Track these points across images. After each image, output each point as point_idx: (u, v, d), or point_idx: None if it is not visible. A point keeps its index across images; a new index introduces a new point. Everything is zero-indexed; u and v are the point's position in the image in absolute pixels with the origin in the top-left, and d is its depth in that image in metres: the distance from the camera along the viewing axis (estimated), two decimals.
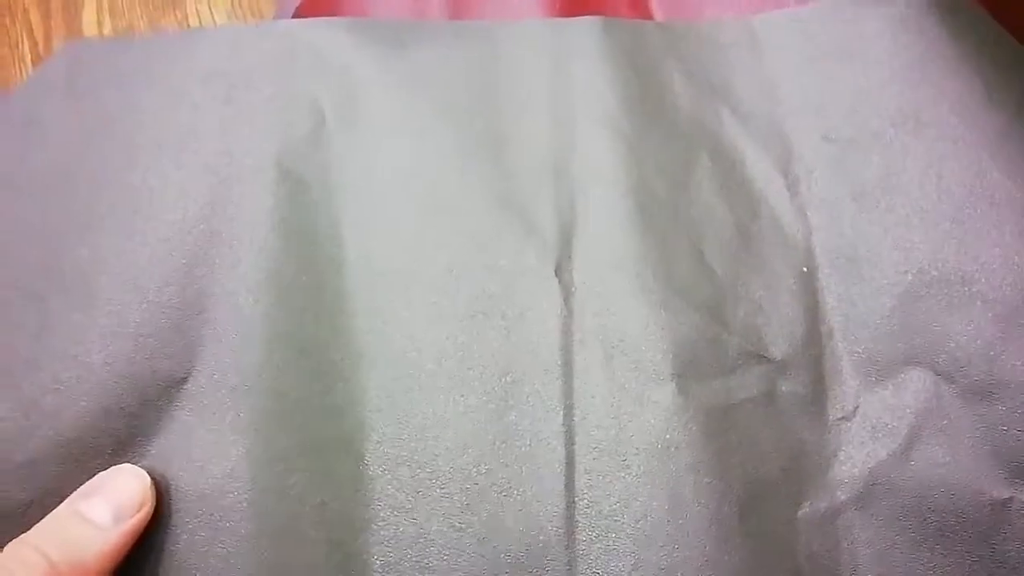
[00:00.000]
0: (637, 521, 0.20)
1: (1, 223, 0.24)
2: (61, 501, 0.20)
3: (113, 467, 0.21)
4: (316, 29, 0.26)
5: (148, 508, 0.20)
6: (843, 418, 0.23)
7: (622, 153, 0.25)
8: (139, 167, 0.24)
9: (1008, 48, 0.26)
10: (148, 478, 0.21)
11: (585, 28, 0.27)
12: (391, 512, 0.21)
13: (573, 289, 0.23)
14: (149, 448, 0.22)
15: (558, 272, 0.23)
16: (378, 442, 0.22)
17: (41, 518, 0.20)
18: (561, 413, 0.22)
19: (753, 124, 0.26)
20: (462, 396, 0.22)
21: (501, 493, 0.21)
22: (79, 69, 0.26)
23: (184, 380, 0.22)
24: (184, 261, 0.23)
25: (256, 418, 0.21)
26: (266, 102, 0.25)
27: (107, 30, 0.83)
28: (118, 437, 0.22)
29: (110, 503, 0.20)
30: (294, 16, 0.31)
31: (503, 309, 0.23)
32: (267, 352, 0.22)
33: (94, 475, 0.21)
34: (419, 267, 0.23)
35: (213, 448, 0.21)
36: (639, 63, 0.27)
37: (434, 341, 0.23)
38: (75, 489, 0.21)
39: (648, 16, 0.30)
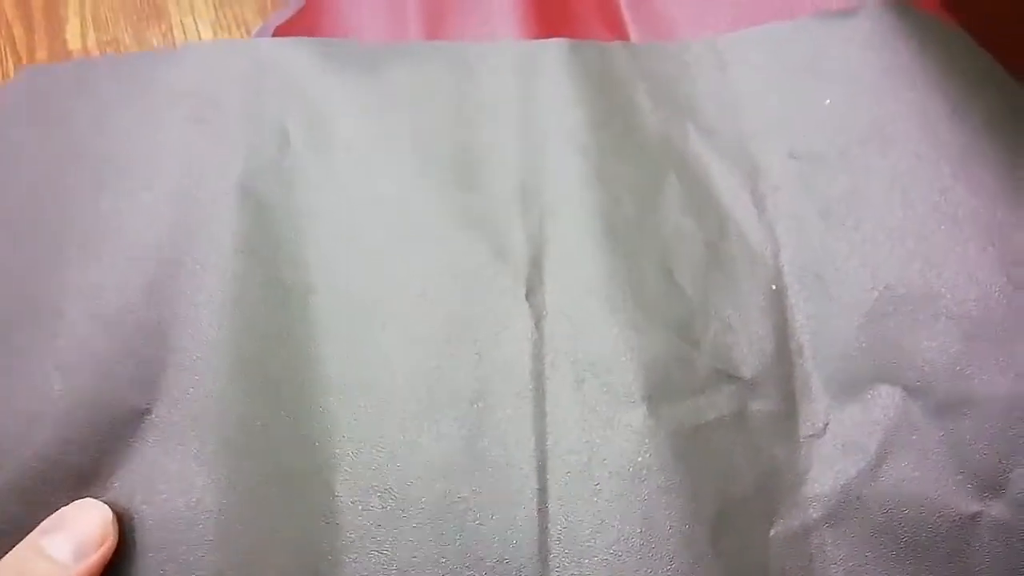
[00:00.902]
0: (610, 546, 0.21)
1: None
2: (24, 535, 0.20)
3: (75, 502, 0.21)
4: (285, 49, 0.26)
5: (110, 543, 0.20)
6: (813, 435, 0.23)
7: (590, 173, 0.25)
8: (108, 192, 0.24)
9: (979, 63, 0.26)
10: (110, 513, 0.20)
11: (553, 50, 0.27)
12: (362, 542, 0.21)
13: (544, 313, 0.23)
14: (113, 480, 0.21)
15: (529, 296, 0.23)
16: (348, 471, 0.22)
17: (3, 553, 0.20)
18: (533, 439, 0.22)
19: (720, 142, 0.26)
20: (434, 423, 0.22)
21: (474, 521, 0.21)
22: (41, 95, 0.26)
23: (148, 410, 0.22)
24: (146, 287, 0.22)
25: (221, 448, 0.21)
26: (232, 123, 0.25)
27: (91, 43, 0.83)
28: (80, 470, 0.21)
29: (71, 539, 0.20)
30: (275, 34, 0.31)
31: (475, 334, 0.23)
32: (231, 380, 0.22)
33: (57, 509, 0.21)
34: (390, 292, 0.23)
35: (178, 479, 0.21)
36: (606, 83, 0.27)
37: (406, 367, 0.23)
38: (38, 523, 0.20)
39: (625, 38, 0.30)
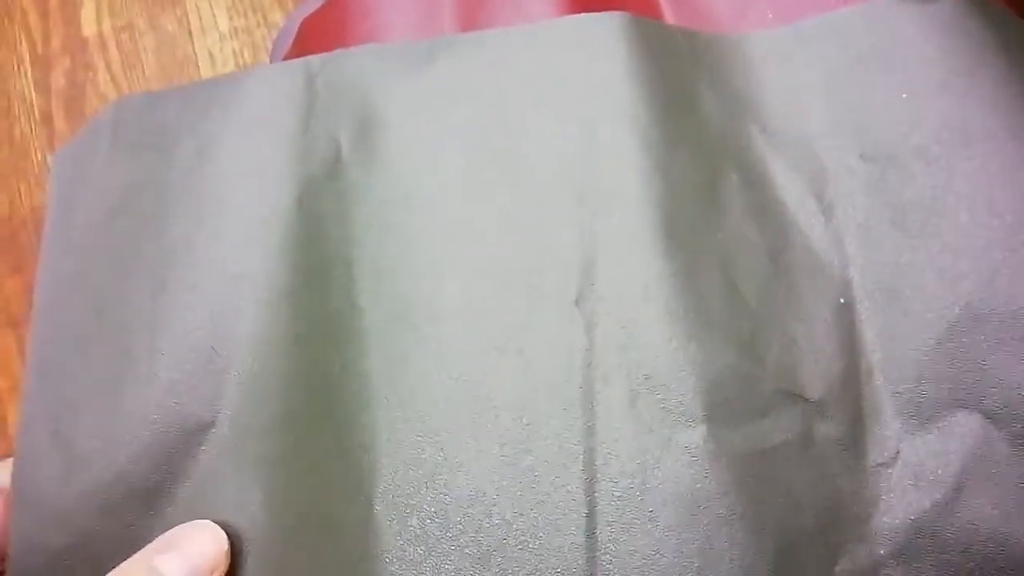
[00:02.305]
0: None
1: (51, 277, 0.25)
2: (98, 547, 0.21)
3: (191, 522, 0.21)
4: (334, 63, 0.26)
5: (222, 571, 0.20)
6: (883, 464, 0.21)
7: (651, 167, 0.23)
8: (172, 218, 0.24)
9: None
10: (226, 540, 0.20)
11: (611, 22, 0.25)
12: (400, 566, 0.20)
13: (596, 320, 0.22)
14: (179, 493, 0.21)
15: (579, 302, 0.22)
16: (386, 489, 0.21)
17: (77, 564, 0.21)
18: (582, 458, 0.20)
19: (784, 142, 0.24)
20: (475, 439, 0.21)
21: (516, 546, 0.20)
22: (121, 125, 0.26)
23: (212, 423, 0.21)
24: (212, 305, 0.23)
25: (274, 462, 0.21)
26: (288, 142, 0.25)
27: (106, 28, 0.81)
28: (150, 483, 0.21)
29: (186, 563, 0.19)
30: (299, 29, 0.30)
31: (520, 344, 0.21)
32: (283, 394, 0.21)
33: (128, 522, 0.21)
34: (433, 303, 0.22)
35: (235, 493, 0.21)
36: (667, 67, 0.25)
37: (446, 381, 0.21)
38: (110, 536, 0.21)
39: (659, 16, 0.28)
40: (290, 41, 0.31)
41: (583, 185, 0.23)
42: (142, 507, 0.21)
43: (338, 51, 0.26)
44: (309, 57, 0.26)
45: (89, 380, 0.23)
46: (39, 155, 0.77)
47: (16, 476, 0.22)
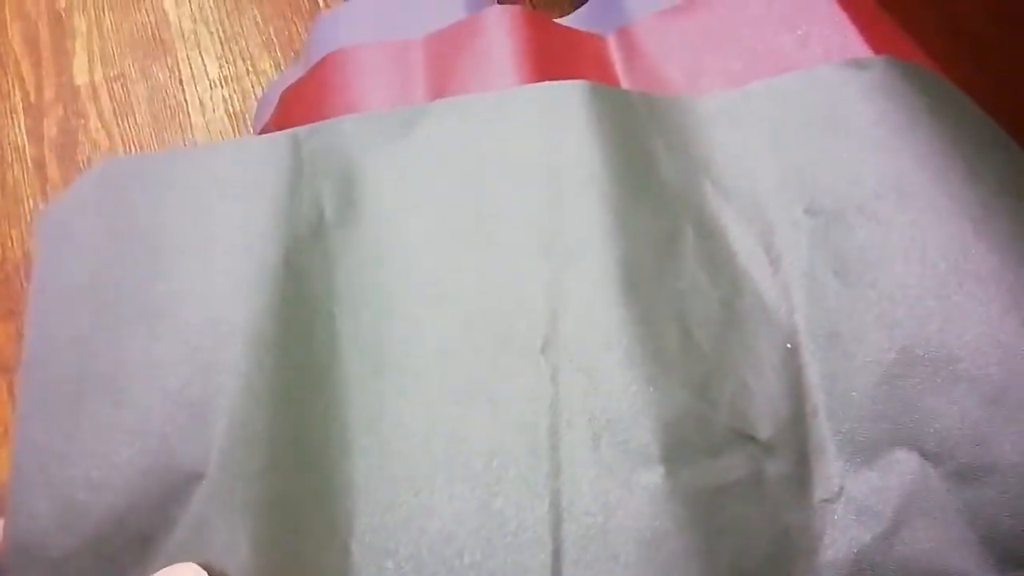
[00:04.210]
0: None
1: (40, 330, 0.25)
2: None
3: (173, 566, 0.21)
4: (318, 133, 0.27)
5: None
6: (828, 500, 0.22)
7: (610, 221, 0.25)
8: (163, 274, 0.25)
9: (984, 125, 0.26)
10: None
11: (574, 91, 0.27)
12: None
13: (560, 367, 0.23)
14: (172, 541, 0.22)
15: (544, 350, 0.23)
16: (363, 533, 0.22)
17: None
18: (548, 499, 0.22)
19: (735, 198, 0.26)
20: (448, 483, 0.22)
21: None
22: (109, 184, 0.27)
23: (202, 474, 0.22)
24: (204, 362, 0.23)
25: (262, 509, 0.21)
26: (273, 206, 0.26)
27: (98, 78, 0.83)
28: (144, 531, 0.22)
29: None
30: (280, 100, 0.32)
31: (490, 392, 0.23)
32: (269, 444, 0.22)
33: (124, 569, 0.22)
34: (409, 355, 0.24)
35: (227, 540, 0.21)
36: (626, 130, 0.27)
37: (421, 428, 0.22)
38: None
39: (616, 83, 0.30)
40: (270, 110, 0.33)
41: (549, 242, 0.25)
42: (137, 554, 0.22)
43: (322, 122, 0.28)
44: (296, 128, 0.27)
45: (82, 432, 0.23)
46: (31, 202, 0.78)
47: (8, 525, 0.23)
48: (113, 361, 0.24)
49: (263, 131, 0.33)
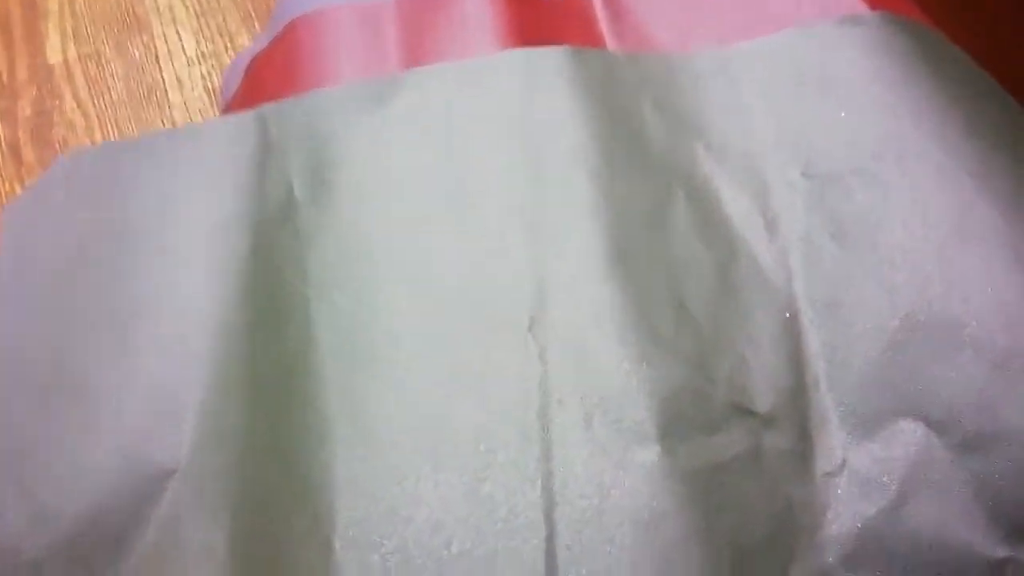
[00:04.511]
0: None
1: (7, 330, 0.25)
2: None
3: None
4: (285, 110, 0.26)
5: None
6: (830, 473, 0.22)
7: (594, 193, 0.24)
8: (130, 270, 0.25)
9: (979, 79, 0.25)
10: None
11: (553, 57, 0.26)
12: None
13: (549, 346, 0.22)
14: (146, 539, 0.21)
15: (532, 327, 0.22)
16: (346, 527, 0.21)
17: None
18: (540, 482, 0.21)
19: (729, 160, 0.25)
20: (434, 470, 0.21)
21: (478, 574, 0.20)
22: (75, 177, 0.27)
23: (174, 470, 0.21)
24: (172, 356, 0.23)
25: (237, 505, 0.21)
26: (243, 188, 0.25)
27: (71, 56, 0.81)
28: (118, 531, 0.21)
29: None
30: (248, 68, 0.30)
31: (477, 372, 0.22)
32: (244, 437, 0.21)
33: (97, 570, 0.21)
34: (390, 339, 0.23)
35: (201, 539, 0.20)
36: (610, 94, 0.26)
37: (404, 414, 0.22)
38: None
39: (601, 44, 0.29)
40: (239, 79, 0.31)
41: (532, 218, 0.23)
42: (110, 554, 0.21)
43: (290, 99, 0.26)
44: (262, 107, 0.26)
45: (51, 432, 0.23)
46: (7, 185, 0.76)
47: None
48: (81, 360, 0.23)
49: (231, 102, 0.31)
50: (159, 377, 0.23)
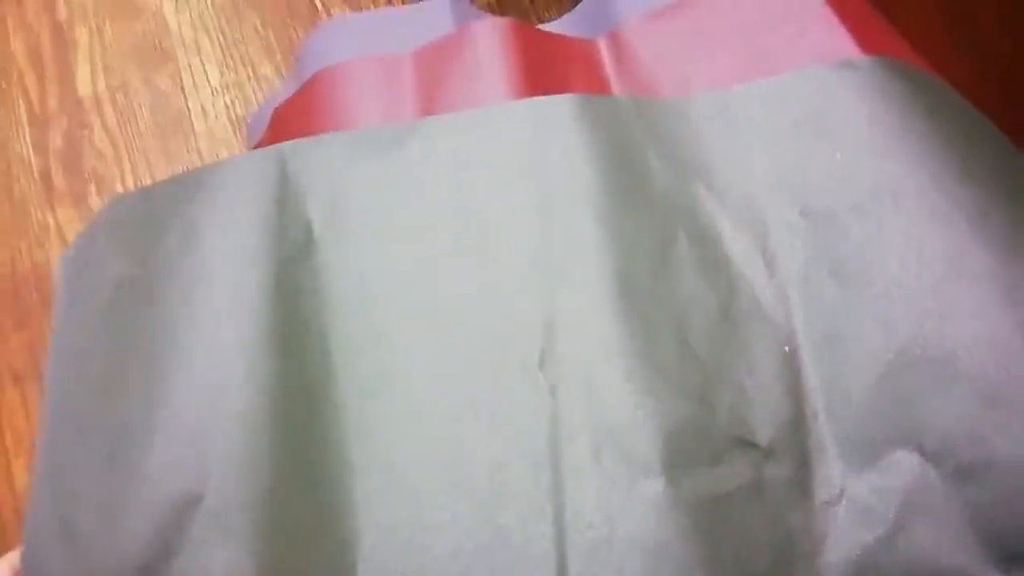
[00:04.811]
0: None
1: (57, 370, 0.26)
2: None
3: None
4: (303, 149, 0.28)
5: None
6: (829, 502, 0.22)
7: (602, 234, 0.25)
8: (163, 306, 0.26)
9: (978, 124, 0.26)
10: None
11: (561, 106, 0.27)
12: None
13: (559, 382, 0.23)
14: (172, 569, 0.22)
15: (542, 366, 0.23)
16: (368, 554, 0.22)
17: None
18: (551, 512, 0.22)
19: (729, 201, 0.26)
20: (450, 500, 0.22)
21: None
22: (117, 222, 0.28)
23: (200, 498, 0.22)
24: (199, 387, 0.24)
25: (264, 532, 0.22)
26: (263, 223, 0.26)
27: (101, 88, 0.84)
28: (146, 561, 0.22)
29: None
30: (272, 118, 0.32)
31: (489, 408, 0.23)
32: (268, 466, 0.22)
33: None
34: (405, 374, 0.24)
35: (228, 566, 0.21)
36: (615, 140, 0.27)
37: (420, 446, 0.23)
38: None
39: (607, 90, 0.30)
40: (263, 128, 0.33)
41: (542, 258, 0.25)
42: None
43: (307, 138, 0.28)
44: (280, 144, 0.27)
45: (91, 464, 0.24)
46: (39, 213, 0.79)
47: (24, 558, 0.24)
48: (120, 395, 0.25)
49: (256, 148, 0.33)
50: (186, 411, 0.24)
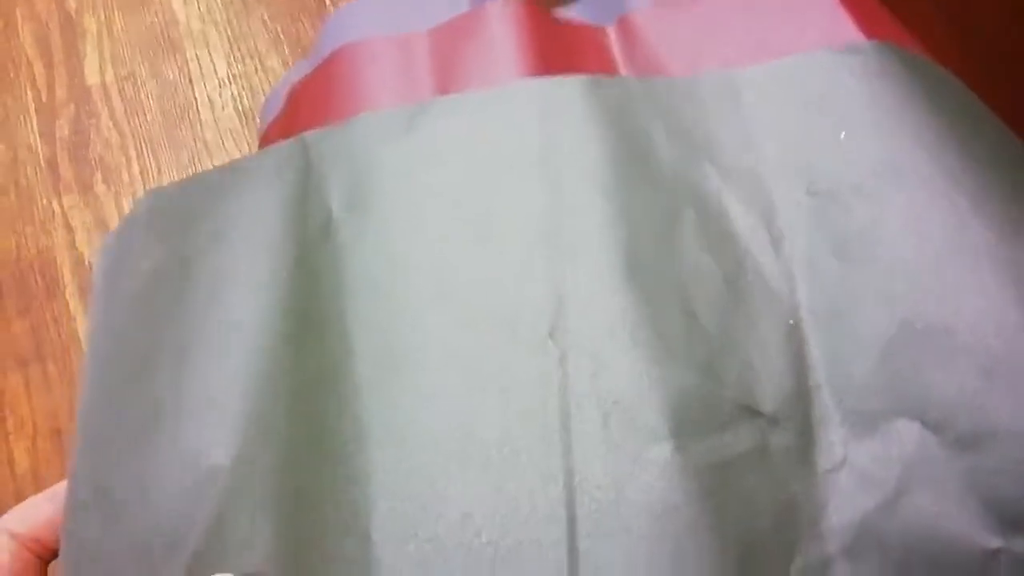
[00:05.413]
0: None
1: (94, 353, 0.27)
2: None
3: None
4: (325, 137, 0.28)
5: None
6: (831, 469, 0.23)
7: (610, 211, 0.25)
8: (193, 292, 0.27)
9: (976, 107, 0.27)
10: None
11: (570, 87, 0.28)
12: None
13: (568, 352, 0.24)
14: (195, 535, 0.22)
15: (552, 335, 0.24)
16: (382, 521, 0.22)
17: None
18: (561, 478, 0.22)
19: (736, 178, 0.27)
20: (461, 471, 0.22)
21: (503, 561, 0.22)
22: (155, 214, 0.29)
23: (221, 468, 0.23)
24: (221, 363, 0.25)
25: (282, 501, 0.22)
26: (287, 210, 0.27)
27: (109, 78, 0.84)
28: (173, 531, 0.23)
29: None
30: (289, 95, 0.32)
31: (501, 381, 0.23)
32: (288, 437, 0.23)
33: (156, 567, 0.23)
34: (419, 351, 0.24)
35: (246, 536, 0.22)
36: (623, 118, 0.27)
37: (433, 419, 0.23)
38: None
39: (615, 71, 0.30)
40: (279, 105, 0.34)
41: (552, 235, 0.25)
42: (167, 553, 0.23)
43: (329, 126, 0.28)
44: (304, 134, 0.28)
45: (125, 438, 0.25)
46: (44, 200, 0.79)
47: (64, 526, 0.24)
48: (152, 373, 0.25)
49: (272, 127, 0.33)
50: (211, 388, 0.24)
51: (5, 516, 0.25)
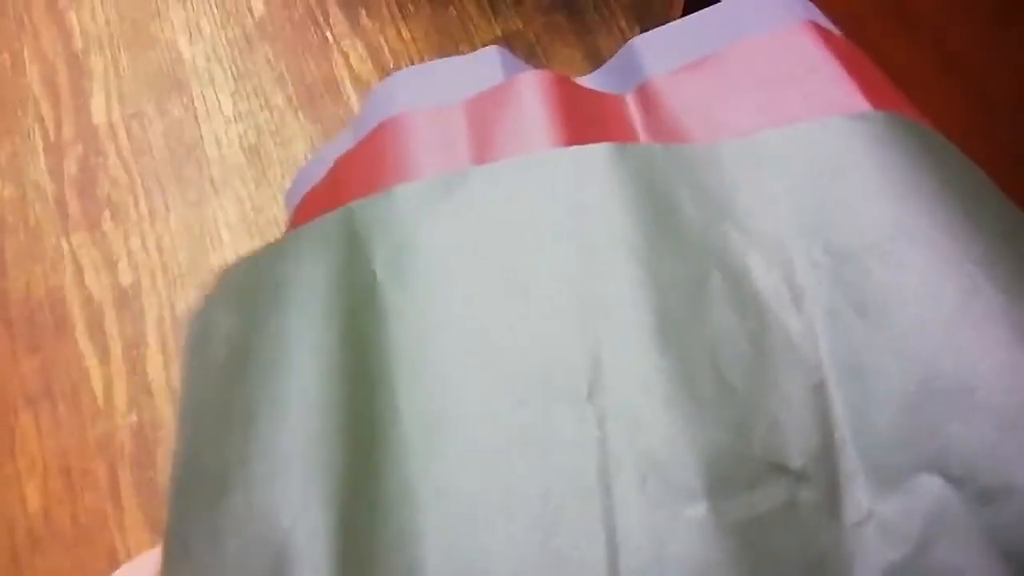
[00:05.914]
0: None
1: (181, 421, 0.28)
2: None
3: None
4: (368, 205, 0.30)
5: None
6: (858, 523, 0.24)
7: (640, 274, 0.27)
8: (255, 364, 0.28)
9: (977, 177, 0.28)
10: None
11: (598, 154, 0.29)
12: None
13: (606, 413, 0.25)
14: None
15: (591, 397, 0.25)
16: (434, 575, 0.23)
17: None
18: (603, 536, 0.23)
19: (757, 239, 0.28)
20: (506, 526, 0.24)
21: None
22: (228, 282, 0.31)
23: (292, 528, 0.25)
24: (286, 436, 0.26)
25: (341, 557, 0.24)
26: (335, 276, 0.29)
27: (116, 117, 0.85)
28: None
29: None
30: (334, 166, 0.34)
31: (541, 440, 0.25)
32: (347, 502, 0.25)
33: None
34: (460, 410, 0.25)
35: None
36: (649, 185, 0.29)
37: (475, 476, 0.24)
38: None
39: (638, 140, 0.32)
40: (314, 177, 0.35)
41: (584, 298, 0.27)
42: None
43: (373, 195, 0.30)
44: (350, 204, 0.30)
45: (202, 501, 0.26)
46: (53, 238, 0.80)
47: (162, 570, 0.26)
48: (224, 441, 0.27)
49: (311, 196, 0.35)
50: (274, 449, 0.26)
51: (123, 568, 0.26)
